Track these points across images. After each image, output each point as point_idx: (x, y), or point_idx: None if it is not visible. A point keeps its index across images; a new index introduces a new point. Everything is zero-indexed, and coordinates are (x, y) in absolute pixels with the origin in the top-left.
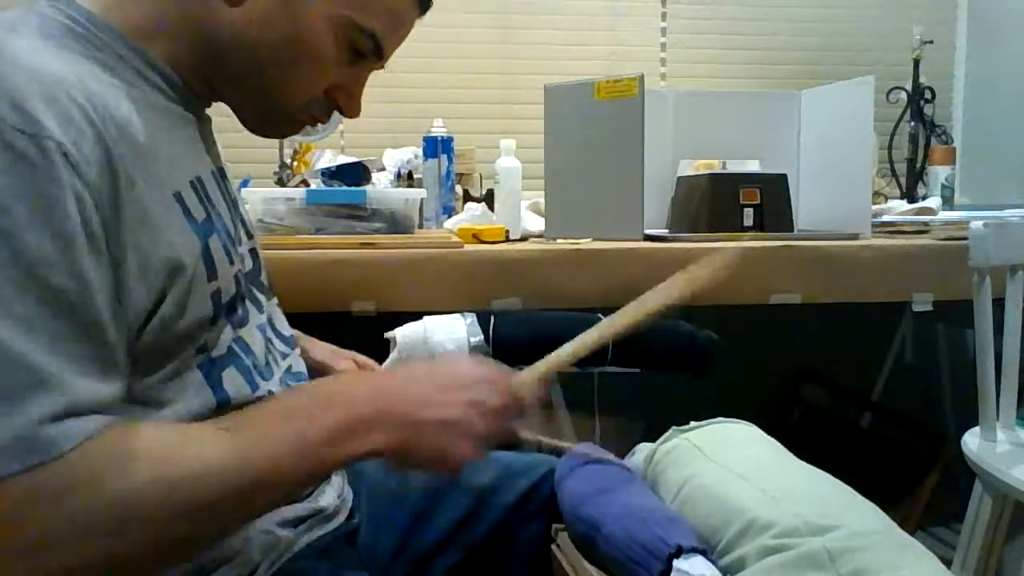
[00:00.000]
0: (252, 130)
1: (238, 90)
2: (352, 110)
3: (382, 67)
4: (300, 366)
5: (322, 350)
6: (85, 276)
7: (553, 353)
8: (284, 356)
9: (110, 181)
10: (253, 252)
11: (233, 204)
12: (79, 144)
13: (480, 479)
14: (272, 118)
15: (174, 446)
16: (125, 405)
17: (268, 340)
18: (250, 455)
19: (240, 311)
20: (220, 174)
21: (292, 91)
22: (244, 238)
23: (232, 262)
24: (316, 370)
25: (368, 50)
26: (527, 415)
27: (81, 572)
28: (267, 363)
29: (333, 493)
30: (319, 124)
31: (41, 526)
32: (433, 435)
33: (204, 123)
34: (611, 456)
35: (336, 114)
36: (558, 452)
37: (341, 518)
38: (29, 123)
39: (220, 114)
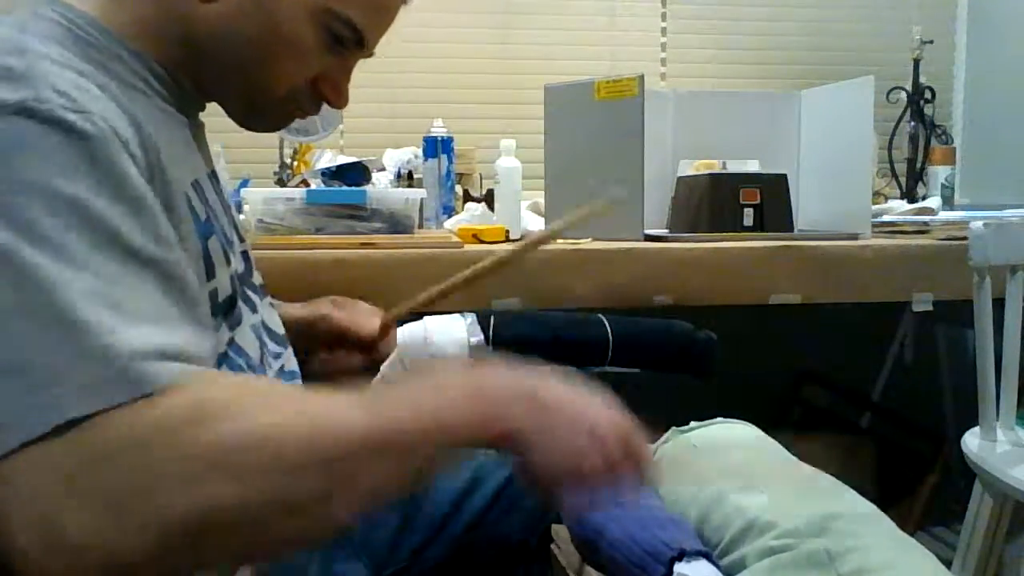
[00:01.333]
0: (241, 124)
1: (222, 85)
2: (339, 100)
3: (370, 55)
4: (293, 365)
5: (298, 307)
6: (161, 233)
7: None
8: (277, 356)
9: (147, 164)
10: (245, 254)
11: (226, 207)
12: (119, 125)
13: (462, 472)
14: (258, 110)
15: (279, 398)
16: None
17: (261, 340)
18: (377, 421)
19: (235, 312)
20: (214, 177)
21: (274, 82)
22: (237, 240)
23: (228, 263)
24: (301, 323)
25: (348, 38)
26: (641, 464)
27: (193, 520)
28: (261, 363)
29: None
30: (310, 116)
31: (155, 459)
32: (573, 426)
33: (198, 127)
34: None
35: (337, 114)
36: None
37: None
38: (76, 104)
39: (221, 114)
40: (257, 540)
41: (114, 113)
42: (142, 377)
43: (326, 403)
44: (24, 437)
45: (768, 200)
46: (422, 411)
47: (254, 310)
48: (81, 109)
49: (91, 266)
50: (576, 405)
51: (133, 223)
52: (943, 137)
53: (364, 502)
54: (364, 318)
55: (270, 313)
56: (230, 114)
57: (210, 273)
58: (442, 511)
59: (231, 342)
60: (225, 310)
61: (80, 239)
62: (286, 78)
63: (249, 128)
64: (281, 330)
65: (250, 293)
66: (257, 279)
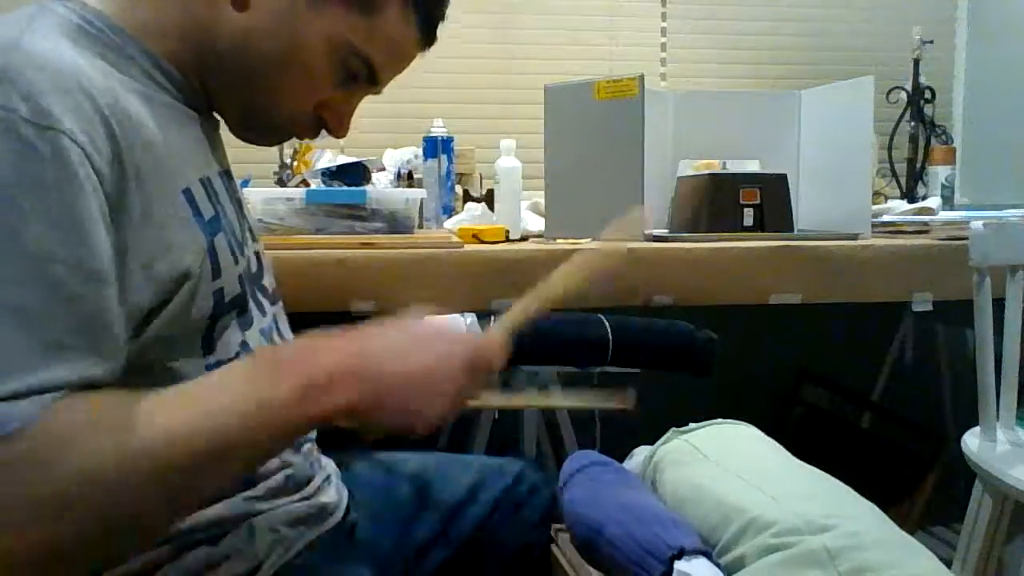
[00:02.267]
0: (235, 133)
1: (227, 94)
2: (339, 131)
3: (377, 92)
4: None
5: None
6: (89, 266)
7: (510, 311)
8: None
9: (119, 175)
10: (257, 255)
11: (239, 206)
12: (90, 134)
13: (462, 480)
14: (254, 125)
15: (139, 414)
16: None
17: (273, 344)
18: (219, 420)
19: (247, 314)
20: (227, 175)
21: (278, 102)
22: (250, 240)
23: (237, 262)
24: None
25: (361, 74)
26: (493, 373)
27: (49, 547)
28: None
29: (333, 490)
30: (306, 139)
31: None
32: (404, 390)
33: (211, 124)
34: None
35: None
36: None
37: (339, 515)
38: (41, 115)
39: None
40: (105, 556)
41: (87, 122)
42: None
43: (163, 419)
44: None
45: (768, 200)
46: (247, 414)
47: (264, 313)
48: (46, 123)
49: (7, 299)
50: (405, 363)
51: (63, 253)
52: (943, 137)
53: (196, 506)
54: None
55: (282, 318)
56: (228, 124)
57: (216, 272)
58: (444, 516)
59: (243, 344)
60: (236, 310)
61: (5, 267)
62: (291, 101)
63: (242, 139)
64: (291, 336)
65: (260, 296)
66: (269, 283)
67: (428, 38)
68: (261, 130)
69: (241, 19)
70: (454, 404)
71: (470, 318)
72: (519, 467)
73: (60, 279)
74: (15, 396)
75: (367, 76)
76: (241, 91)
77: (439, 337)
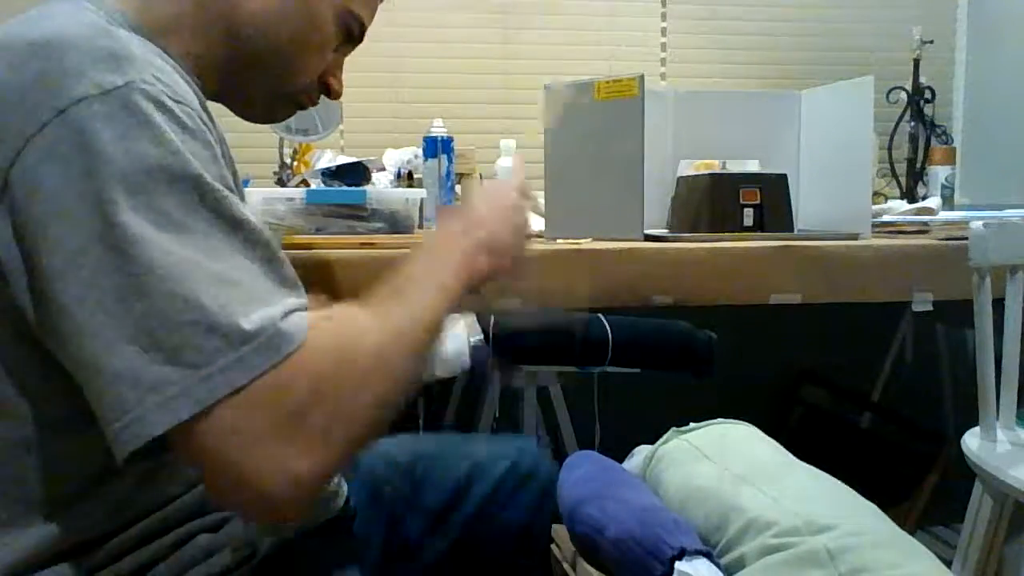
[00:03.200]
0: (252, 117)
1: (253, 76)
2: (339, 91)
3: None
4: None
5: None
6: (257, 221)
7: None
8: None
9: (220, 142)
10: None
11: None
12: (198, 108)
13: (462, 466)
14: (281, 100)
15: (373, 325)
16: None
17: None
18: (423, 314)
19: None
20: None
21: (301, 74)
22: None
23: None
24: None
25: (356, 35)
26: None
27: (374, 421)
28: None
29: (334, 480)
30: (311, 107)
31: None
32: (509, 236)
33: None
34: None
35: (337, 114)
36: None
37: (339, 503)
38: (174, 91)
39: (221, 114)
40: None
41: (193, 100)
42: (292, 334)
43: (406, 302)
44: (227, 390)
45: (768, 200)
46: (437, 299)
47: None
48: (179, 99)
49: (224, 241)
50: (504, 227)
51: (234, 199)
52: (943, 137)
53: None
54: None
55: None
56: (243, 108)
57: None
58: (442, 501)
59: None
60: None
61: (207, 218)
62: (312, 69)
63: (262, 120)
64: None
65: None
66: None
67: None
68: (279, 108)
69: (259, 4)
70: (526, 224)
71: (470, 318)
72: (516, 450)
73: (258, 231)
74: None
75: (359, 35)
76: (264, 74)
77: (503, 195)
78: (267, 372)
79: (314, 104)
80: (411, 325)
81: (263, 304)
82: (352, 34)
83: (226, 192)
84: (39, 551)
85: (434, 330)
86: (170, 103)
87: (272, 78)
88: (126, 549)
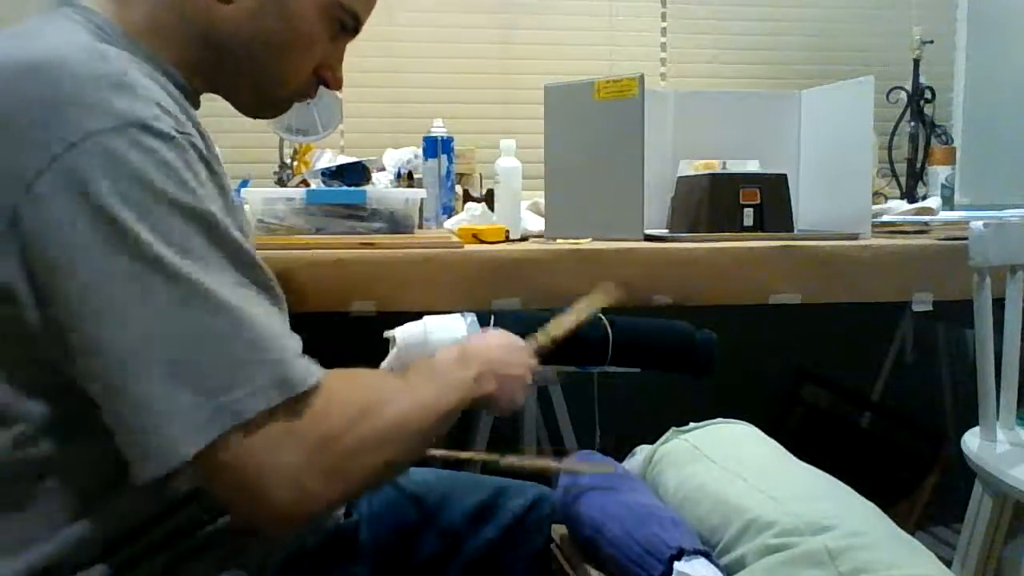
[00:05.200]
0: (250, 114)
1: (236, 80)
2: (338, 84)
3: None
4: None
5: None
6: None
7: (540, 332)
8: None
9: (218, 185)
10: None
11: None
12: (198, 139)
13: (477, 497)
14: (268, 101)
15: (400, 388)
16: None
17: None
18: (443, 395)
19: None
20: None
21: (287, 75)
22: None
23: None
24: None
25: (350, 27)
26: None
27: (381, 473)
28: None
29: None
30: (309, 100)
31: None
32: (511, 384)
33: None
34: (608, 466)
35: (337, 114)
36: (544, 472)
37: (340, 514)
38: (177, 122)
39: (219, 115)
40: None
41: (186, 120)
42: (307, 373)
43: (418, 388)
44: (241, 419)
45: (768, 200)
46: (450, 389)
47: None
48: (184, 130)
49: (237, 279)
50: (511, 364)
51: (239, 234)
52: (943, 137)
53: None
54: None
55: None
56: (239, 106)
57: None
58: (456, 527)
59: None
60: None
61: (219, 254)
62: (297, 70)
63: (257, 116)
64: None
65: None
66: None
67: None
68: (274, 104)
69: (231, 10)
70: (529, 382)
71: (470, 318)
72: (539, 490)
73: (265, 275)
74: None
75: (354, 27)
76: (250, 75)
77: (518, 347)
78: (295, 402)
79: (312, 97)
80: (433, 406)
81: (280, 343)
82: (345, 27)
83: (235, 231)
84: (48, 566)
85: (445, 419)
86: (178, 137)
87: (257, 81)
88: (139, 555)
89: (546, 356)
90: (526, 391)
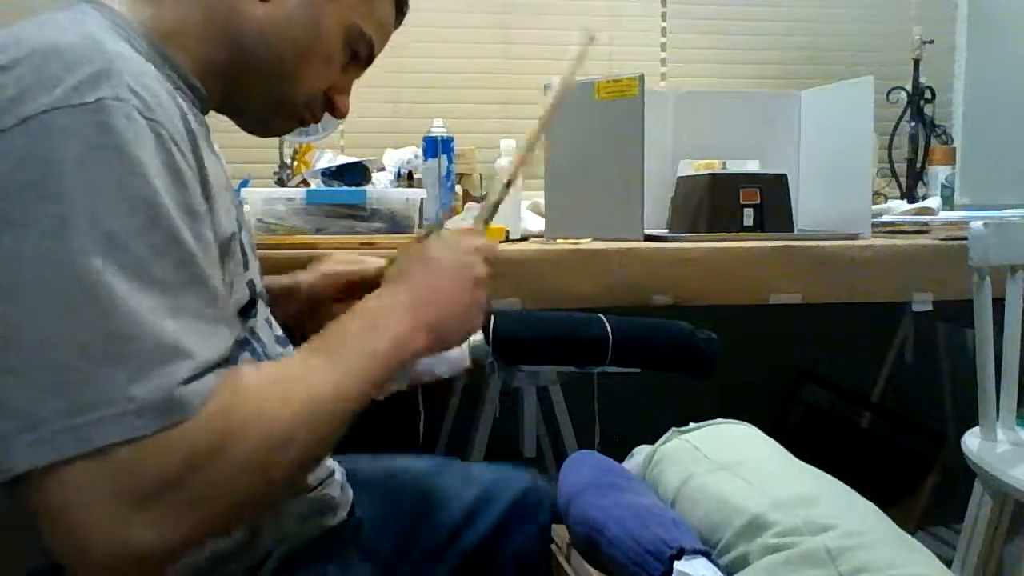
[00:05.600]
0: (252, 129)
1: (250, 86)
2: (344, 110)
3: (361, 73)
4: (291, 352)
5: (279, 278)
6: (205, 240)
7: (485, 201)
8: (284, 343)
9: (196, 165)
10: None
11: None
12: (177, 128)
13: (469, 493)
14: (279, 112)
15: (286, 386)
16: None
17: (274, 334)
18: (344, 380)
19: (257, 305)
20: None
21: (302, 86)
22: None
23: (253, 260)
24: (293, 289)
25: (364, 55)
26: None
27: (239, 508)
28: (273, 355)
29: (338, 486)
30: (313, 124)
31: (199, 477)
32: (457, 321)
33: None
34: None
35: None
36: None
37: (344, 513)
38: (147, 107)
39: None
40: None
41: (174, 116)
42: (186, 402)
43: (316, 376)
44: (79, 449)
45: (768, 200)
46: (376, 357)
47: (266, 303)
48: (152, 117)
49: (152, 274)
50: (450, 298)
51: (190, 229)
52: (943, 137)
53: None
54: (357, 262)
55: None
56: (245, 118)
57: (246, 264)
58: (449, 528)
59: (252, 331)
60: (254, 299)
61: (149, 244)
62: (310, 86)
63: (259, 133)
64: (280, 332)
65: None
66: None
67: (401, 14)
68: (280, 120)
69: (267, 10)
70: (484, 301)
71: None
72: (525, 480)
73: (191, 251)
74: (185, 381)
75: (367, 57)
76: (266, 82)
77: (453, 258)
78: (138, 440)
79: (316, 121)
80: (332, 396)
81: (166, 364)
82: (359, 54)
83: (180, 224)
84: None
85: (355, 398)
86: (141, 119)
87: (274, 86)
88: None
89: (535, 353)
90: (482, 309)
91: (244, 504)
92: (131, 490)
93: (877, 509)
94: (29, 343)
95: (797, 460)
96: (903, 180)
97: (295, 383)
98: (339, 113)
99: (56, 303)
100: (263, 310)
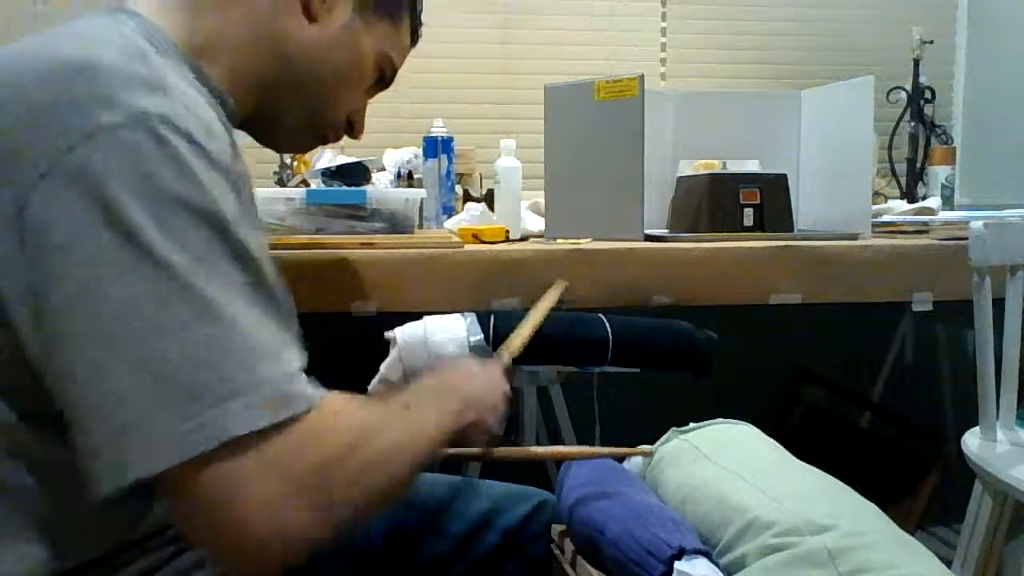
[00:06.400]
0: (278, 144)
1: (291, 101)
2: (361, 131)
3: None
4: None
5: None
6: (260, 249)
7: (505, 346)
8: None
9: (238, 175)
10: None
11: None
12: (225, 147)
13: (481, 504)
14: (308, 130)
15: (388, 423)
16: None
17: None
18: (436, 423)
19: None
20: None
21: (335, 106)
22: None
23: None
24: None
25: (388, 81)
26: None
27: (367, 506)
28: None
29: None
30: (333, 142)
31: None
32: (490, 410)
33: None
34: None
35: None
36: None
37: None
38: (201, 121)
39: None
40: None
41: (221, 132)
42: (304, 396)
43: (412, 417)
44: (225, 437)
45: (768, 200)
46: (440, 424)
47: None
48: (209, 133)
49: (246, 295)
50: (490, 392)
51: (247, 239)
52: (943, 137)
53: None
54: None
55: None
56: (271, 134)
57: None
58: (459, 534)
59: None
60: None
61: (223, 255)
62: (344, 106)
63: (282, 150)
64: None
65: None
66: None
67: (414, 40)
68: (307, 137)
69: (313, 30)
70: (502, 416)
71: (470, 318)
72: (541, 496)
73: (271, 284)
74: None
75: (389, 82)
76: (303, 100)
77: (490, 373)
78: (285, 425)
79: (337, 140)
80: (425, 434)
81: (276, 360)
82: (384, 77)
83: (245, 237)
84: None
85: (425, 455)
86: (199, 137)
87: (308, 106)
88: (124, 562)
89: (535, 353)
90: (502, 419)
91: (381, 494)
92: (287, 476)
93: (877, 509)
94: (145, 350)
95: (797, 460)
96: (903, 180)
97: (394, 420)
98: (356, 134)
99: (165, 317)
100: None
